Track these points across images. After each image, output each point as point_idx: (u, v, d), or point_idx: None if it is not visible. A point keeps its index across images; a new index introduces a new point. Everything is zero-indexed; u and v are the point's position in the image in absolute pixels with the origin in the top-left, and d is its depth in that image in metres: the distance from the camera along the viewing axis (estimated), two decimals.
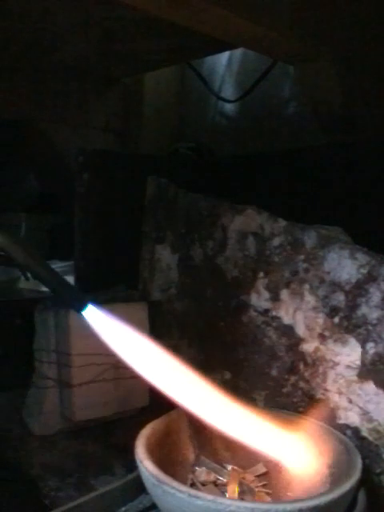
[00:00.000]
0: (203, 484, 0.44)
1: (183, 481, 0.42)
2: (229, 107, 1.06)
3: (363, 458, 0.40)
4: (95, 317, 0.42)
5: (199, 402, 0.41)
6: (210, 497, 0.34)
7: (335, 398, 0.47)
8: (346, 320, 0.47)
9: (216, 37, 0.60)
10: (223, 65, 1.07)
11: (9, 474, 0.51)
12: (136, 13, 0.59)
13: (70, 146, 0.89)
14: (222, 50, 0.94)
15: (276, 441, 0.42)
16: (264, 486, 0.45)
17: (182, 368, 0.41)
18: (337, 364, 0.47)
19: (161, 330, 0.66)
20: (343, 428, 0.46)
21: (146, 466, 0.38)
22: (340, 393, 0.47)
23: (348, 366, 0.46)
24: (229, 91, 1.05)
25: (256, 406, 0.48)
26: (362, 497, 0.39)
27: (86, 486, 0.49)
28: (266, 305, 0.54)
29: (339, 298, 0.47)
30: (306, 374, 0.50)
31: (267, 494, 0.44)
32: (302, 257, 0.51)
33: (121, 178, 0.78)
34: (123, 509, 0.42)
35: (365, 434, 0.45)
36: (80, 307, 0.42)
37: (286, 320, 0.52)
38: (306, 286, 0.50)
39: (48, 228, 1.16)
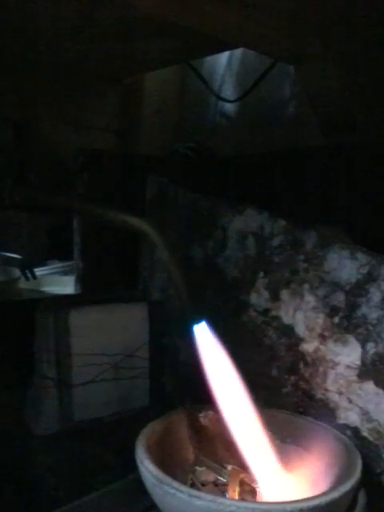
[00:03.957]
0: (203, 484, 0.44)
1: (183, 481, 0.42)
2: (229, 107, 1.06)
3: (363, 458, 0.40)
4: (203, 334, 0.44)
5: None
6: (209, 497, 0.35)
7: (335, 398, 0.47)
8: (345, 320, 0.46)
9: (216, 37, 0.60)
10: (223, 65, 1.07)
11: (9, 474, 0.51)
12: (136, 13, 0.59)
13: (70, 146, 0.89)
14: (222, 50, 0.93)
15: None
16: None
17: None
18: (337, 364, 0.47)
19: (161, 330, 0.66)
20: (343, 428, 0.46)
21: (146, 466, 0.38)
22: (340, 393, 0.47)
23: (348, 366, 0.46)
24: (229, 91, 1.05)
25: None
26: (361, 497, 0.39)
27: (85, 486, 0.49)
28: (265, 305, 0.54)
29: (339, 298, 0.47)
30: (306, 374, 0.50)
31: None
32: (302, 257, 0.51)
33: (121, 178, 0.78)
34: (123, 509, 0.42)
35: (365, 433, 0.45)
36: (195, 319, 0.44)
37: (286, 320, 0.52)
38: (306, 286, 0.50)
39: (48, 228, 1.16)
